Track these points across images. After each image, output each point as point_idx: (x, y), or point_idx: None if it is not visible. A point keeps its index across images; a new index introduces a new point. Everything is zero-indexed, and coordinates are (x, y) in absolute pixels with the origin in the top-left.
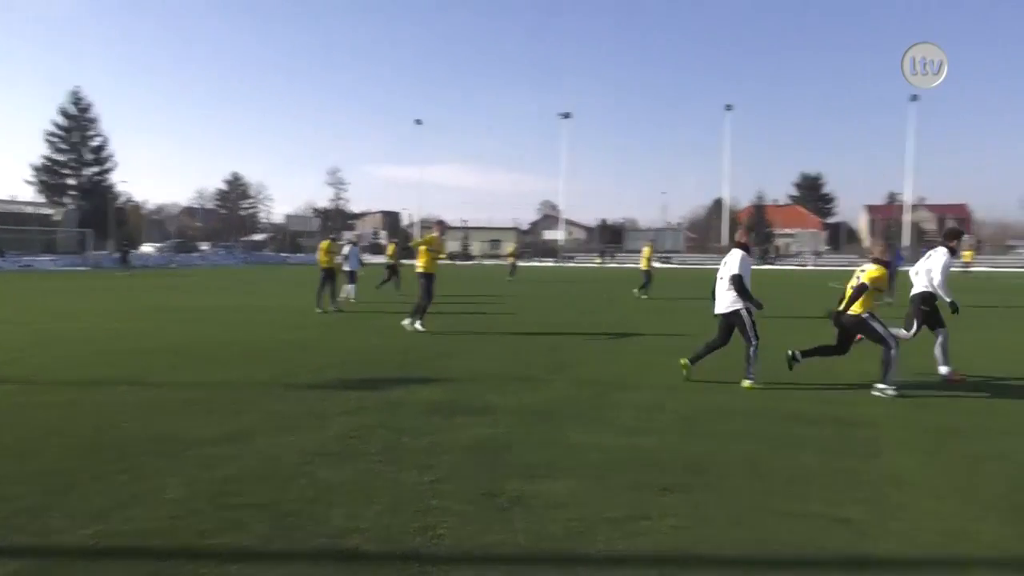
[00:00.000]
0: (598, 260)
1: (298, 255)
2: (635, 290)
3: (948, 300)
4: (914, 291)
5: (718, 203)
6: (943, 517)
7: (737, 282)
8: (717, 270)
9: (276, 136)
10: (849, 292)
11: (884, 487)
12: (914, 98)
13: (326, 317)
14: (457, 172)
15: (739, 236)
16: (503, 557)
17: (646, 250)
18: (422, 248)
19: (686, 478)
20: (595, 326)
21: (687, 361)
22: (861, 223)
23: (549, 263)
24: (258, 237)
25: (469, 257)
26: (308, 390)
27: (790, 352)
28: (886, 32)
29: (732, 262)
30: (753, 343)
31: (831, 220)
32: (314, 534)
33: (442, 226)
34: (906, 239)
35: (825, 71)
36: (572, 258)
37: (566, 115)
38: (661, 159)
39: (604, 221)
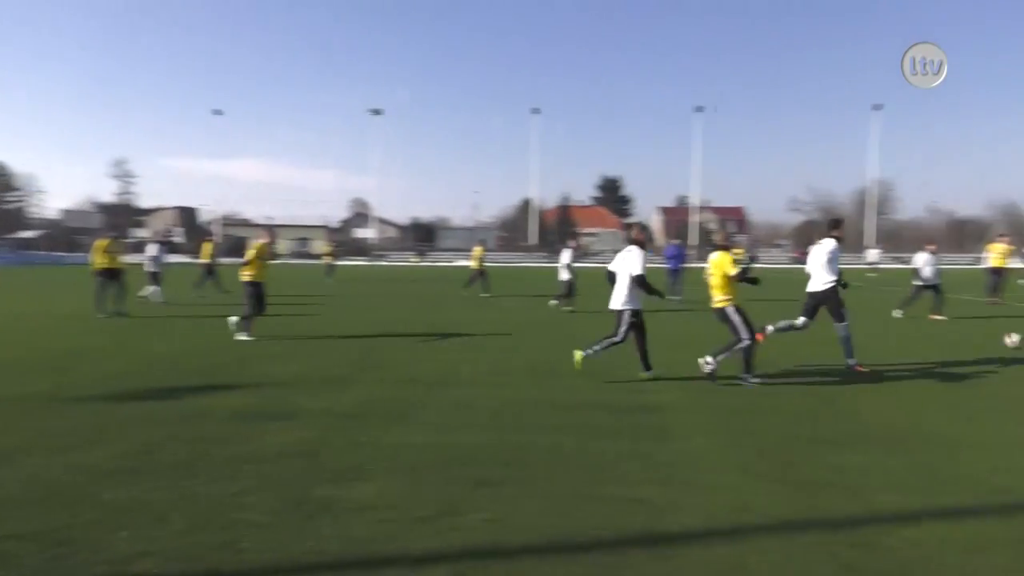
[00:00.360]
0: (416, 259)
1: (76, 254)
2: (565, 308)
3: (837, 279)
4: (821, 287)
5: (527, 203)
6: (727, 490)
7: (641, 282)
8: (529, 267)
9: (51, 124)
10: (714, 283)
11: (677, 467)
12: (699, 109)
13: (118, 322)
14: (262, 166)
15: (635, 234)
16: (310, 566)
17: (477, 250)
18: (252, 255)
19: (497, 472)
20: (410, 325)
21: (581, 355)
22: (655, 224)
23: (361, 262)
24: (28, 234)
25: (274, 256)
26: (93, 402)
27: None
28: (674, 39)
29: (630, 260)
30: (615, 341)
31: (629, 220)
32: (92, 562)
33: (272, 232)
34: (694, 239)
35: (623, 75)
36: (384, 257)
37: (377, 111)
38: (473, 158)
39: (417, 219)
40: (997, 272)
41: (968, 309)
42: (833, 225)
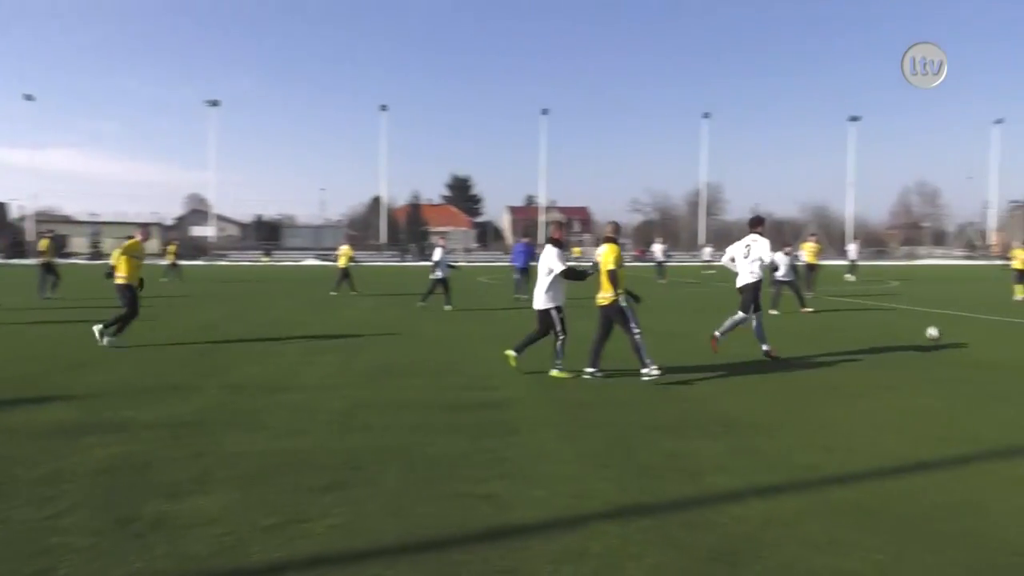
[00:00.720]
0: (265, 258)
1: None
2: (420, 303)
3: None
4: (747, 282)
5: (376, 200)
6: (570, 481)
7: (568, 275)
8: (380, 267)
9: None
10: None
11: (522, 461)
12: (544, 112)
13: None
14: (85, 158)
15: (552, 232)
16: None
17: (345, 248)
18: (122, 256)
19: (345, 475)
20: (251, 328)
21: (512, 352)
22: (505, 223)
23: (200, 262)
24: None
25: (100, 255)
26: None
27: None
28: (520, 40)
29: (549, 258)
30: (561, 337)
31: (479, 219)
32: None
33: (146, 231)
34: (541, 238)
35: (471, 75)
36: (225, 256)
37: (214, 103)
38: (320, 154)
39: (260, 217)
40: (811, 268)
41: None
42: (758, 222)
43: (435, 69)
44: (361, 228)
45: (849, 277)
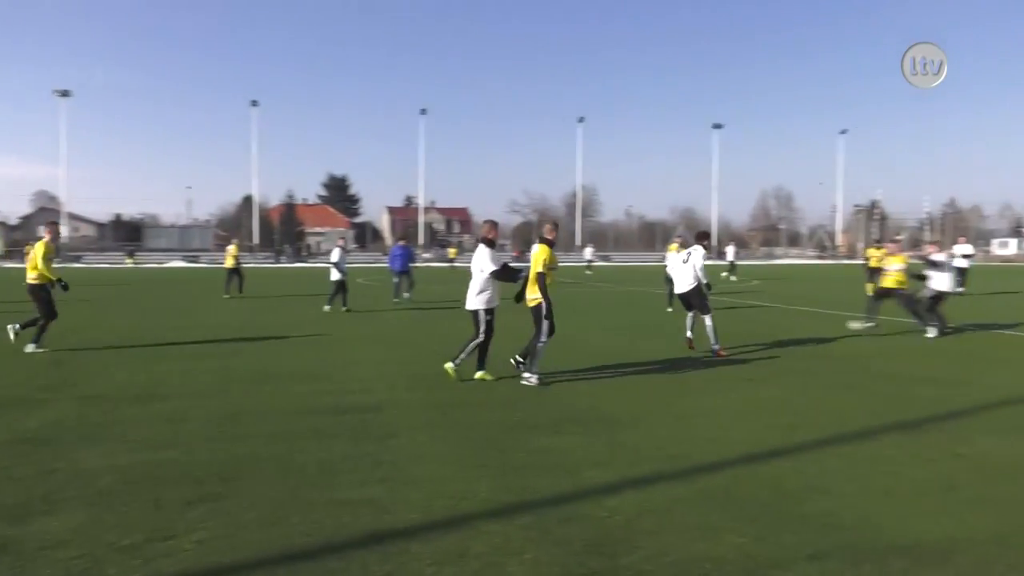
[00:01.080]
0: (130, 260)
1: None
2: (326, 307)
3: (705, 283)
4: (687, 288)
5: (248, 200)
6: (449, 482)
7: (499, 275)
8: (253, 268)
9: None
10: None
11: (402, 463)
12: (423, 111)
13: None
14: None
15: (485, 232)
16: None
17: (231, 248)
18: (35, 255)
19: (216, 487)
20: (116, 334)
21: (451, 366)
22: (384, 223)
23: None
24: None
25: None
26: None
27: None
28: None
29: (481, 259)
30: (480, 339)
31: (358, 220)
32: None
33: (54, 228)
34: (421, 238)
35: (346, 73)
36: (79, 258)
37: (64, 92)
38: (186, 151)
39: (119, 216)
40: None
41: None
42: (703, 236)
43: (309, 64)
44: (232, 228)
45: (731, 277)
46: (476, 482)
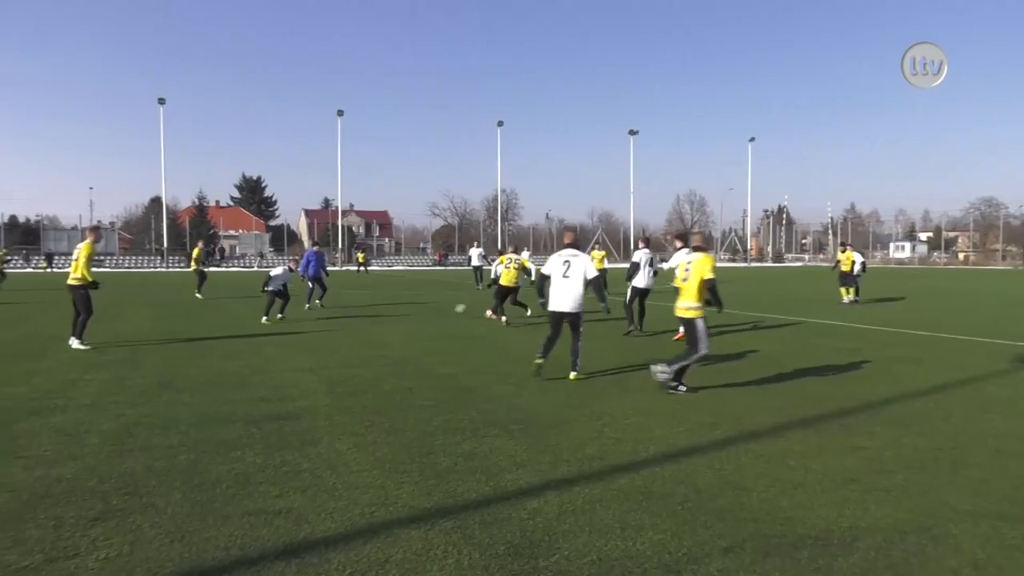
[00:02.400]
0: (44, 266)
1: None
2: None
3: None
4: (642, 285)
5: (157, 201)
6: (370, 489)
7: (597, 285)
8: (159, 273)
9: None
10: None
11: (321, 472)
12: (340, 113)
13: None
14: None
15: (571, 239)
16: None
17: (196, 251)
18: (80, 258)
19: (120, 502)
20: (5, 342)
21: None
22: (302, 225)
23: None
24: None
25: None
26: None
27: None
28: (319, 36)
29: (586, 266)
30: (577, 341)
31: (274, 222)
32: None
33: (97, 232)
34: (340, 241)
35: (261, 70)
36: None
37: None
38: (87, 150)
39: (14, 218)
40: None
41: None
42: (683, 236)
43: (218, 61)
44: (139, 231)
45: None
46: (397, 488)
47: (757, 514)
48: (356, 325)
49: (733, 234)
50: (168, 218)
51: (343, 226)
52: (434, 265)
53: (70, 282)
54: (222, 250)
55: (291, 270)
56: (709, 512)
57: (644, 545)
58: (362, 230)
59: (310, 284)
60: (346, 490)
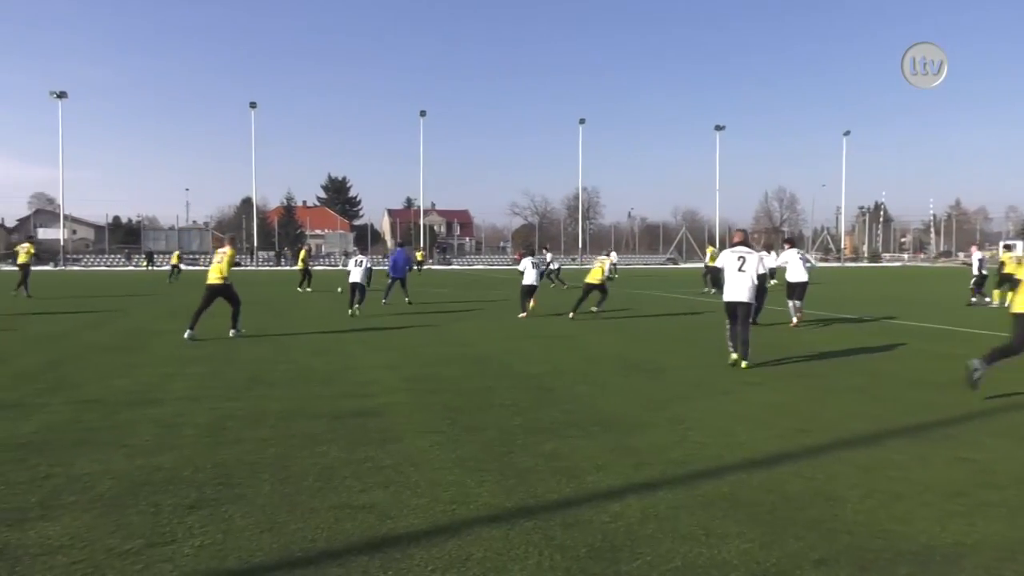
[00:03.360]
0: (146, 264)
1: None
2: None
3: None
4: (801, 278)
5: (247, 202)
6: (451, 486)
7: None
8: (259, 272)
9: None
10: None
11: (403, 468)
12: (423, 113)
13: None
14: None
15: (740, 238)
16: None
17: (26, 245)
18: (225, 261)
19: (214, 492)
20: (108, 336)
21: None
22: (385, 225)
23: (48, 268)
24: None
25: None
26: None
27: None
28: (402, 38)
29: (766, 262)
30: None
31: (358, 222)
32: None
33: (233, 239)
34: (422, 241)
35: (346, 73)
36: (78, 260)
37: (61, 94)
38: (184, 153)
39: (117, 219)
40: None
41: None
42: (790, 237)
43: (307, 66)
44: (231, 231)
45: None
46: (478, 486)
47: (852, 526)
48: (437, 323)
49: (825, 232)
50: (258, 218)
51: (425, 225)
52: (514, 264)
53: (212, 281)
54: (309, 249)
55: (370, 268)
56: (800, 522)
57: (730, 554)
58: (443, 229)
59: (390, 281)
60: (428, 487)
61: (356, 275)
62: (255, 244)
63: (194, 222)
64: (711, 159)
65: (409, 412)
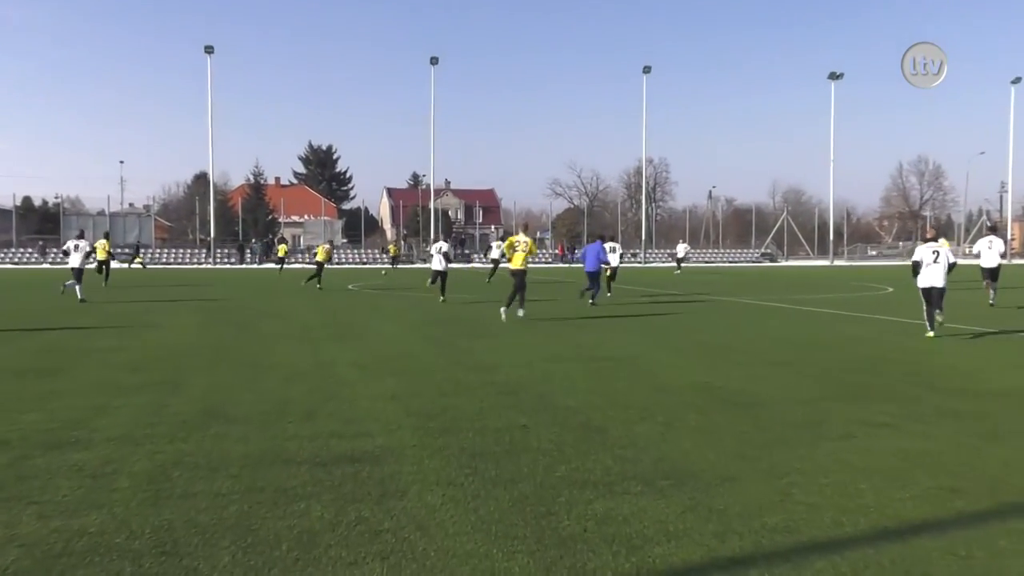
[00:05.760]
0: (139, 262)
1: None
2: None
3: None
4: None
5: (202, 179)
6: (471, 558)
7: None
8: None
9: None
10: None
11: (407, 534)
12: (434, 61)
13: None
14: None
15: (932, 234)
16: None
17: (321, 249)
18: (322, 255)
19: (155, 566)
20: (16, 356)
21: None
22: (383, 209)
23: None
24: None
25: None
26: None
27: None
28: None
29: (951, 254)
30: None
31: (348, 205)
32: None
33: (330, 240)
34: (432, 228)
35: (332, 15)
36: None
37: None
38: (118, 115)
39: (28, 200)
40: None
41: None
42: (992, 228)
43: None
44: (181, 217)
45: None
46: (507, 559)
47: None
48: (453, 339)
49: (984, 217)
50: (216, 200)
51: (437, 209)
52: (556, 261)
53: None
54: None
55: (447, 254)
56: None
57: None
58: (461, 215)
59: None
60: (440, 558)
61: (438, 263)
62: (212, 234)
63: (131, 205)
64: (822, 120)
65: (416, 458)
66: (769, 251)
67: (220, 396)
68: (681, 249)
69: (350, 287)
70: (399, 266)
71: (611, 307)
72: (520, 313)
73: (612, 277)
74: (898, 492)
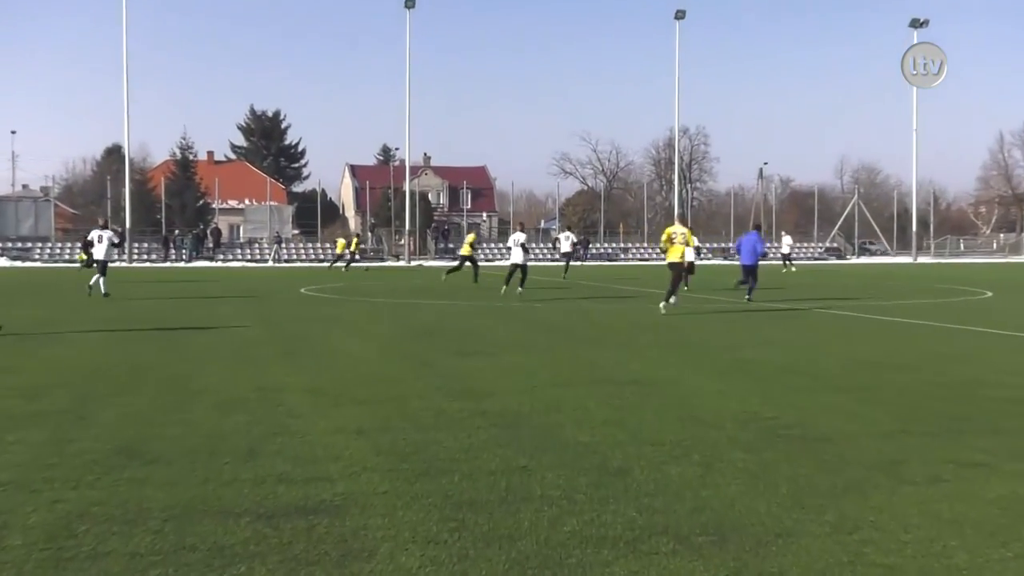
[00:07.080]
0: (82, 257)
1: None
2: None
3: None
4: None
5: (115, 153)
6: None
7: None
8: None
9: None
10: None
11: None
12: (409, 4)
13: None
14: None
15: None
16: None
17: (340, 244)
18: (352, 245)
19: None
20: None
21: None
22: (345, 191)
23: None
24: None
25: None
26: None
27: None
28: None
29: None
30: None
31: (300, 187)
32: None
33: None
34: (408, 214)
35: None
36: None
37: None
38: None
39: None
40: None
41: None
42: None
43: None
44: (89, 201)
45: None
46: None
47: None
48: (436, 358)
49: None
50: (134, 180)
51: (414, 192)
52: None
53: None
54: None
55: (525, 248)
56: None
57: None
58: (444, 199)
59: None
60: None
61: (518, 255)
62: (127, 224)
63: (25, 187)
64: (903, 81)
65: (387, 508)
66: (835, 244)
67: (137, 429)
68: (786, 244)
69: (303, 291)
70: (356, 264)
71: (637, 315)
72: (673, 301)
73: (690, 271)
74: (997, 551)
